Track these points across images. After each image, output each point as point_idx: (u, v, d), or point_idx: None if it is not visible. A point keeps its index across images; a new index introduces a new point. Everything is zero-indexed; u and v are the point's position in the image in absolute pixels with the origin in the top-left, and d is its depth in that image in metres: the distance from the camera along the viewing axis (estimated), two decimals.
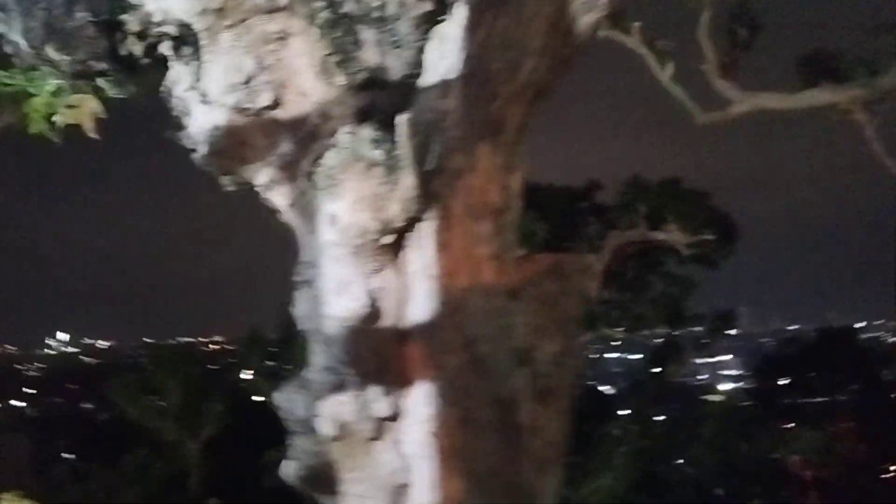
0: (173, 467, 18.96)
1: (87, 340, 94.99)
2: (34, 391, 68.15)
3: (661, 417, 19.59)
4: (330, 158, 2.11)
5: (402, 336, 2.14)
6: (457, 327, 2.12)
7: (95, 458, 17.43)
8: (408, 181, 2.09)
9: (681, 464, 18.28)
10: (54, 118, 3.19)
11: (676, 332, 17.79)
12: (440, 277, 2.12)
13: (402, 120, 2.11)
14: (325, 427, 2.04)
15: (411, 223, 2.15)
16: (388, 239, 2.13)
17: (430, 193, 2.12)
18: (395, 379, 2.09)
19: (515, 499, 2.14)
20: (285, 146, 2.24)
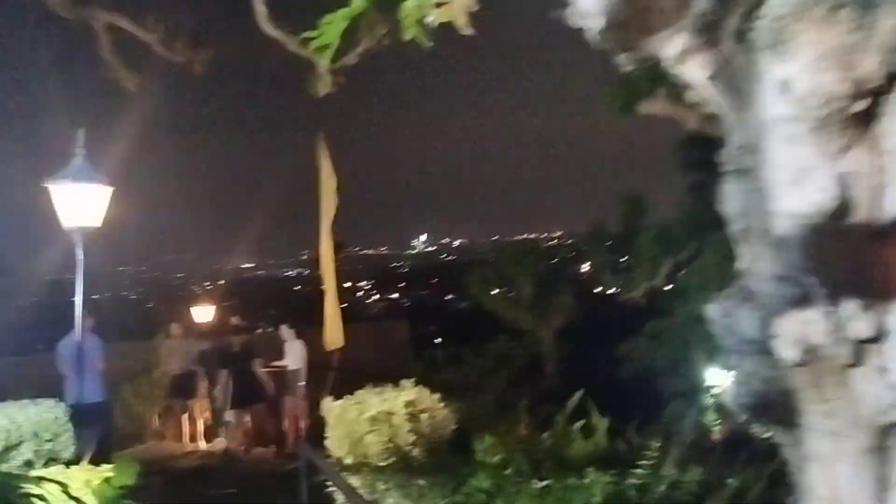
0: (530, 353, 20.14)
1: (444, 240, 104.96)
2: (404, 284, 77.79)
3: None
4: (776, 6, 1.60)
5: (881, 234, 1.62)
6: None
7: (462, 342, 19.12)
8: (890, 22, 1.52)
9: None
10: (426, 19, 3.11)
11: None
12: None
13: None
14: (786, 350, 1.63)
15: (891, 81, 1.58)
16: (861, 105, 1.59)
17: None
18: (874, 290, 1.60)
19: None
20: (702, 3, 1.79)
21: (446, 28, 3.10)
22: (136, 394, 12.84)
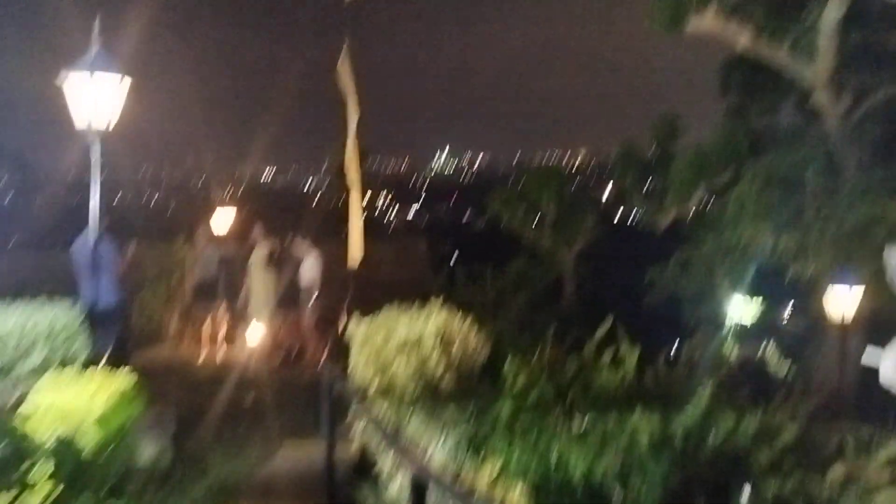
0: (550, 274, 19.90)
1: (467, 154, 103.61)
2: (423, 202, 77.42)
3: None
4: None
5: None
6: None
7: (482, 260, 18.87)
8: None
9: None
10: None
11: None
12: None
13: None
14: None
15: None
16: None
17: None
18: None
19: None
20: None
21: None
22: (155, 296, 12.78)
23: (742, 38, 10.44)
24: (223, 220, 15.41)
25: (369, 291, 10.10)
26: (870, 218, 9.72)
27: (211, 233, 14.43)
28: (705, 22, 10.24)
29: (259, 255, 11.34)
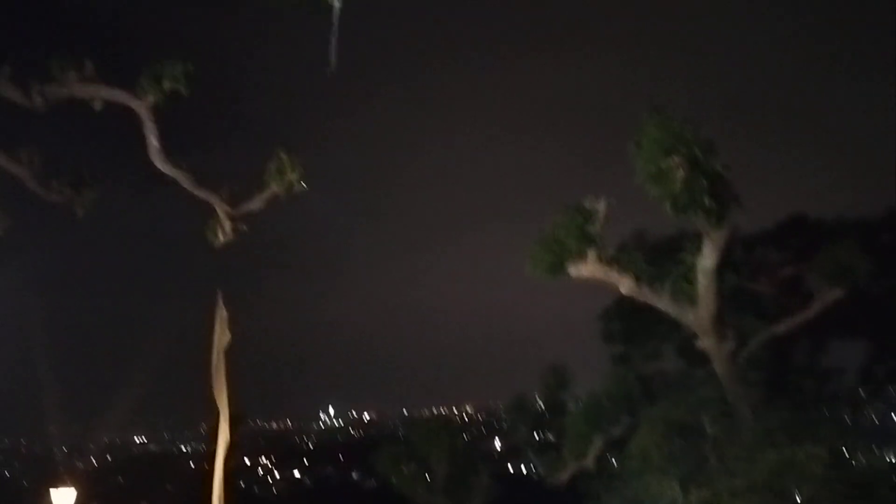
0: None
1: (353, 414, 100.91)
2: (308, 461, 73.21)
3: None
4: None
5: None
6: None
7: None
8: None
9: None
10: None
11: None
12: None
13: None
14: None
15: None
16: None
17: None
18: None
19: None
20: None
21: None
22: None
23: (624, 285, 10.50)
24: (62, 498, 13.23)
25: None
26: (779, 468, 9.22)
27: None
28: (586, 268, 10.27)
29: None
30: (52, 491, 13.80)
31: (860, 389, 17.53)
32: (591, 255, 10.28)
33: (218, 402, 9.55)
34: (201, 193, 8.70)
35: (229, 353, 9.59)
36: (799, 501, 9.31)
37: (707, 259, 9.97)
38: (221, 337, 9.56)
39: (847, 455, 10.39)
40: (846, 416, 16.08)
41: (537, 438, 17.31)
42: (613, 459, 13.91)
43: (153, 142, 8.33)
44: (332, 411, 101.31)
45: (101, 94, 8.48)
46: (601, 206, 10.32)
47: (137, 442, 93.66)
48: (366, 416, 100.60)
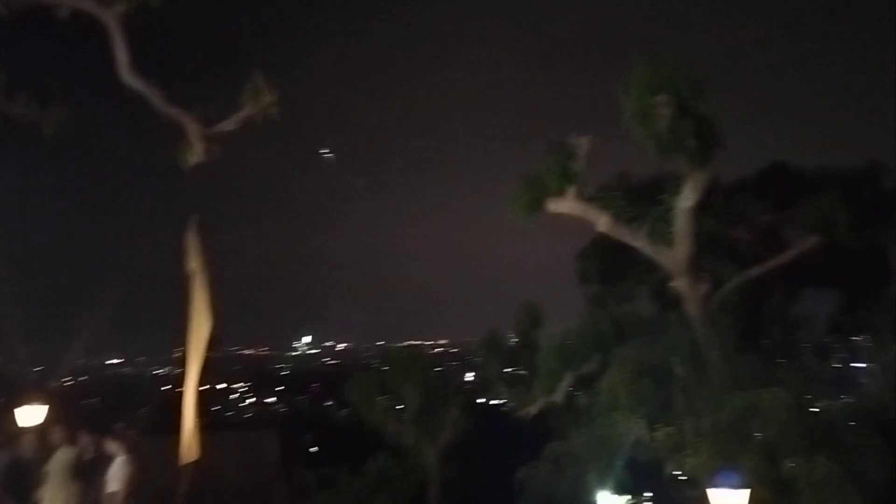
0: (414, 474, 18.36)
1: (328, 343, 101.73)
2: (282, 388, 74.00)
3: None
4: None
5: None
6: None
7: (339, 458, 17.14)
8: None
9: None
10: None
11: None
12: None
13: None
14: None
15: None
16: None
17: None
18: None
19: None
20: None
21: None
22: None
23: (601, 222, 10.42)
24: (29, 415, 13.13)
25: (203, 500, 8.46)
26: (744, 410, 9.36)
27: (11, 429, 12.19)
28: (565, 204, 10.17)
29: (61, 460, 9.38)
30: (18, 411, 13.67)
31: (828, 338, 17.82)
32: (571, 191, 10.16)
33: (190, 325, 9.44)
34: (172, 112, 8.37)
35: (203, 278, 9.45)
36: (763, 443, 9.48)
37: (687, 199, 9.91)
38: (194, 262, 9.41)
39: (811, 400, 10.57)
40: (812, 364, 16.36)
41: (508, 373, 17.46)
42: (583, 396, 14.05)
43: (121, 55, 7.96)
44: (307, 340, 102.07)
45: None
46: (583, 143, 10.16)
47: (111, 364, 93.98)
48: (341, 346, 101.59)
